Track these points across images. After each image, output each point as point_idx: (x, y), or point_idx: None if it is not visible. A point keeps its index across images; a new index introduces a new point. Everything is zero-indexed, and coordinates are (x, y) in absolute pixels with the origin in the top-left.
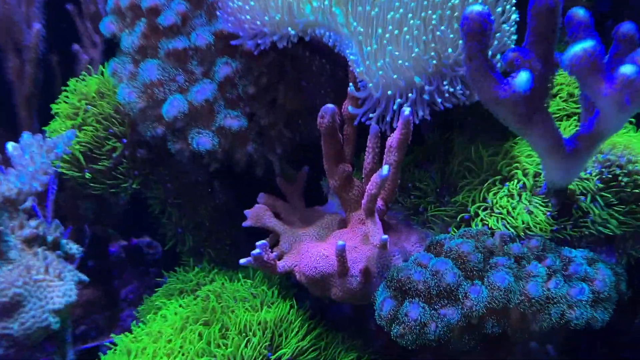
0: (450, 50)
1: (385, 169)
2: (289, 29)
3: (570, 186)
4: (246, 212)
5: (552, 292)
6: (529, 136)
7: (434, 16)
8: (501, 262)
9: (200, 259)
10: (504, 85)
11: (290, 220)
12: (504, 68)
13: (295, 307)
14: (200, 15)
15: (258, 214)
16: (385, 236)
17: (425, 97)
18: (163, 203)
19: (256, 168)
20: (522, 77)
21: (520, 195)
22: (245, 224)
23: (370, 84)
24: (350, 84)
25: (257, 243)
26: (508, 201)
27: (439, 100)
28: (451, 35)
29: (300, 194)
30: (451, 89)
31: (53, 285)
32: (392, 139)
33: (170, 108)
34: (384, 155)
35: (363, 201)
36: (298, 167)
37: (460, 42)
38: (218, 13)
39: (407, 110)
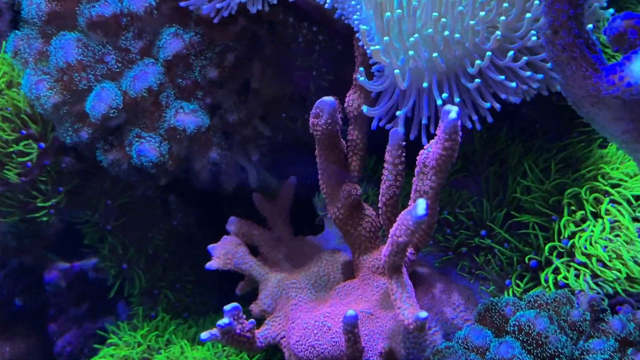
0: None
1: (421, 206)
2: None
3: None
4: (211, 248)
5: None
6: (638, 153)
7: None
8: (596, 346)
9: (155, 304)
10: (609, 74)
11: (273, 258)
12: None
13: None
14: None
15: (227, 251)
16: (425, 314)
17: (496, 76)
18: (100, 229)
19: (224, 181)
20: None
21: (615, 233)
22: (209, 266)
23: (395, 70)
24: (360, 68)
25: (225, 308)
26: (597, 242)
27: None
28: None
29: (286, 216)
30: (526, 73)
31: None
32: (429, 155)
33: (96, 102)
34: (416, 179)
35: (385, 251)
36: (283, 174)
37: (537, 1)
38: None
39: (453, 111)
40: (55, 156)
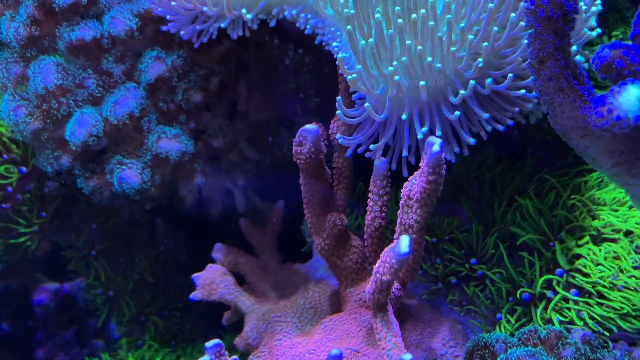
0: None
1: (404, 243)
2: (243, 10)
3: None
4: (195, 277)
5: None
6: (630, 186)
7: None
8: None
9: (142, 332)
10: (598, 106)
11: (259, 288)
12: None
13: None
14: None
15: (212, 281)
16: (409, 356)
17: (477, 108)
18: (85, 255)
19: (210, 206)
20: (631, 94)
21: (612, 264)
22: (193, 296)
23: (367, 102)
24: (338, 97)
25: (207, 345)
26: (593, 273)
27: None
28: (512, 14)
29: (274, 243)
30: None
31: None
32: (413, 188)
33: (76, 129)
34: (400, 211)
35: (369, 288)
36: (271, 197)
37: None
38: None
39: (436, 143)
40: (37, 180)
